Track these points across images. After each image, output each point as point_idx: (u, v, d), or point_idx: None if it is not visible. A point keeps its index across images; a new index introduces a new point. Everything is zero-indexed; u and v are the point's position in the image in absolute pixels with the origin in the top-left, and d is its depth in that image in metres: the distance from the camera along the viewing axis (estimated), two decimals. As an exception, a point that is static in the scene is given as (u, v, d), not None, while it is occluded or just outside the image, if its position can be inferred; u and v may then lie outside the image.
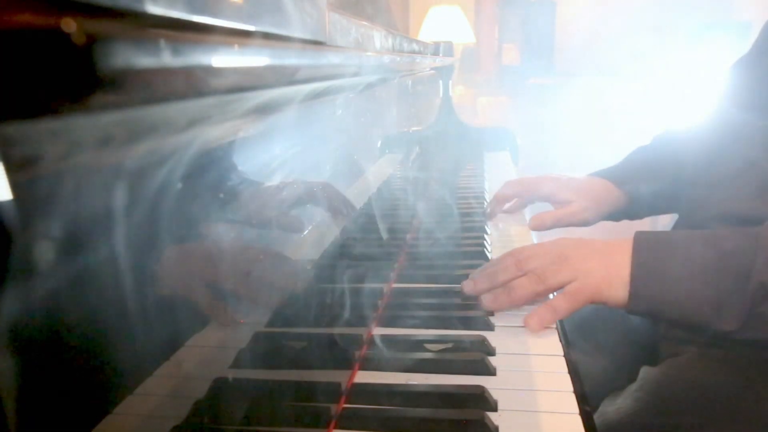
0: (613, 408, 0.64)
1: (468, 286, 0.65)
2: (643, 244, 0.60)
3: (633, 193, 0.92)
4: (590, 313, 0.84)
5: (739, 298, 0.54)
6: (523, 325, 0.59)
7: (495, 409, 0.45)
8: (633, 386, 0.66)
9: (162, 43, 0.17)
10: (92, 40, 0.14)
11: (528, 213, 1.03)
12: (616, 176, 0.93)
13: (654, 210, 0.97)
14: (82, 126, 0.15)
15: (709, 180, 0.75)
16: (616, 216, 0.95)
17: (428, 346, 0.54)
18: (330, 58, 0.36)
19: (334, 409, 0.45)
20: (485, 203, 1.06)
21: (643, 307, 0.59)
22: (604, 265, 0.60)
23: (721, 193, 0.72)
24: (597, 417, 0.66)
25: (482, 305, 0.62)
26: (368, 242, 0.65)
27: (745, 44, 0.83)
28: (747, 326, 0.54)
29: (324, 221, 0.52)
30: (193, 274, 0.30)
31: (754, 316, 0.54)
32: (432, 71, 1.43)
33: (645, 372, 0.67)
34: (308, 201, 0.49)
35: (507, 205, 0.99)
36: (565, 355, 0.53)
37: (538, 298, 0.62)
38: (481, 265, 0.68)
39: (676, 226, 0.84)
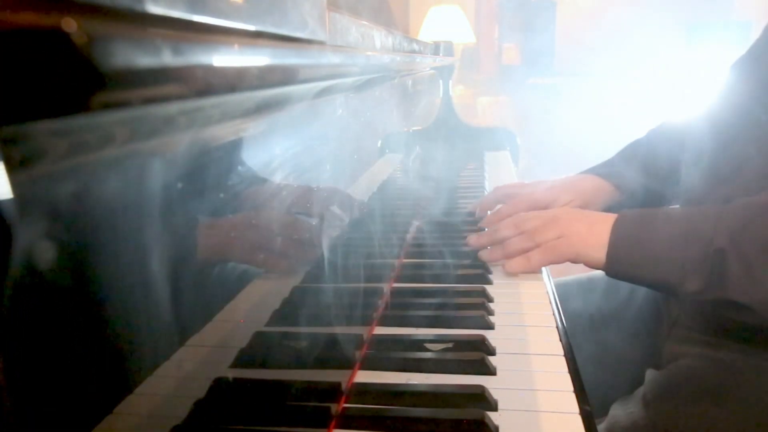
0: (624, 412, 0.65)
1: (472, 240, 0.77)
2: (625, 215, 0.67)
3: (624, 187, 0.91)
4: (593, 315, 0.84)
5: (702, 262, 0.59)
6: (523, 324, 0.59)
7: (495, 409, 0.45)
8: (641, 390, 0.66)
9: (162, 43, 0.17)
10: (92, 40, 0.14)
11: None
12: (606, 171, 0.92)
13: (646, 203, 0.95)
14: (82, 126, 0.15)
15: (716, 173, 0.74)
16: (609, 211, 0.93)
17: (428, 345, 0.54)
18: (330, 58, 0.36)
19: (334, 409, 0.45)
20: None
21: (619, 269, 0.65)
22: (588, 229, 0.67)
23: (727, 187, 0.71)
24: (609, 421, 0.66)
25: (480, 258, 0.73)
26: (368, 242, 0.65)
27: (744, 44, 0.83)
28: (709, 287, 0.59)
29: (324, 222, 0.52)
30: (226, 244, 0.34)
31: (714, 278, 0.58)
32: (432, 71, 1.43)
33: (651, 375, 0.68)
34: (322, 209, 0.49)
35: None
36: (565, 355, 0.53)
37: (527, 253, 0.70)
38: (481, 263, 0.74)
39: None
